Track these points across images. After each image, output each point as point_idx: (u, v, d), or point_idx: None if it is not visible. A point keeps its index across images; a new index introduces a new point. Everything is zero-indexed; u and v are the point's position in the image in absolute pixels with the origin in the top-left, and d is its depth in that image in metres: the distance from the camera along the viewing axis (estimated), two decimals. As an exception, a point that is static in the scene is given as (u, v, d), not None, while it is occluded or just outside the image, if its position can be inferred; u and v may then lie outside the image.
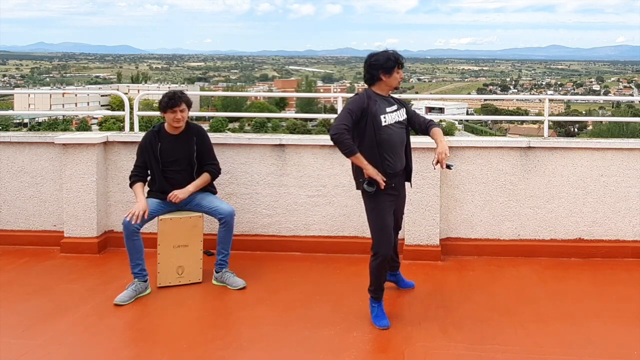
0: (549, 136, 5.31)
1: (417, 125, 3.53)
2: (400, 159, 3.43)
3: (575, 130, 61.97)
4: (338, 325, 3.36)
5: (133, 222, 3.71)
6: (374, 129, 3.28)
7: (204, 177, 4.07)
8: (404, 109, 3.50)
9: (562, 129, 60.26)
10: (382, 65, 3.36)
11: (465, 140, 4.79)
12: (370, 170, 3.24)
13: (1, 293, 3.81)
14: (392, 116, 3.37)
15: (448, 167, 3.31)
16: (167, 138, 3.98)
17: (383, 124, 3.30)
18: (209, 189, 4.15)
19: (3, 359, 2.95)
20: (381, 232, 3.35)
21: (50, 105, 60.28)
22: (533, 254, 4.57)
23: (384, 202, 3.34)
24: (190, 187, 3.96)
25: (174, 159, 3.97)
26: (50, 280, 4.06)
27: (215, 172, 4.12)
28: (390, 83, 3.41)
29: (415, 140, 4.52)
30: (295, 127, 51.93)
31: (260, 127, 52.68)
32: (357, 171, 3.36)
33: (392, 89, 3.47)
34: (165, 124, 4.01)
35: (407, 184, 3.63)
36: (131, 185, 3.94)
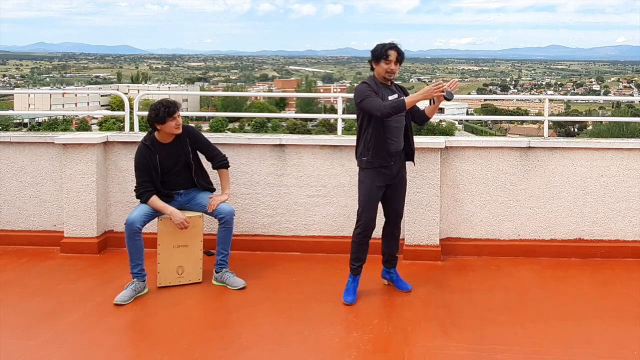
0: (549, 136, 5.31)
1: (417, 115, 3.79)
2: (400, 141, 3.68)
3: (575, 130, 61.96)
4: (338, 325, 3.36)
5: (184, 229, 3.88)
6: None
7: (225, 175, 4.14)
8: (404, 97, 3.61)
9: (562, 129, 60.25)
10: (373, 54, 3.64)
11: (465, 140, 4.79)
12: (426, 94, 3.48)
13: (1, 293, 3.81)
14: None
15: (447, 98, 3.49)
16: (162, 147, 3.95)
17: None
18: (209, 187, 4.16)
19: (3, 359, 2.95)
20: (365, 202, 3.64)
21: (50, 105, 60.27)
22: (533, 254, 4.57)
23: (375, 177, 3.62)
24: (227, 192, 4.10)
25: (172, 165, 3.97)
26: (50, 280, 4.06)
27: (227, 163, 4.16)
28: (378, 72, 3.64)
29: (416, 140, 4.52)
30: (295, 127, 51.92)
31: (260, 127, 52.65)
32: (362, 150, 3.61)
33: (382, 78, 3.64)
34: (157, 134, 3.95)
35: (405, 175, 3.83)
36: (146, 201, 3.88)
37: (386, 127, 3.58)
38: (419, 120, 3.81)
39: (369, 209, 3.64)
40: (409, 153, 3.80)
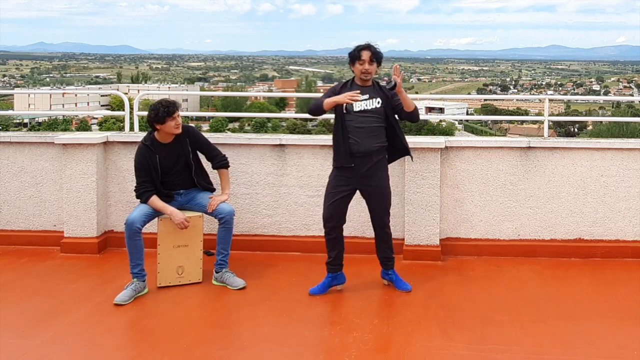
0: (549, 136, 5.31)
1: (402, 113, 3.75)
2: (367, 143, 3.64)
3: (575, 130, 61.96)
4: (338, 325, 3.36)
5: (184, 229, 3.88)
6: (341, 114, 3.65)
7: (225, 175, 4.14)
8: (378, 98, 3.66)
9: (562, 129, 60.25)
10: (349, 56, 3.73)
11: (465, 140, 4.79)
12: (338, 99, 3.56)
13: (1, 293, 3.81)
14: (359, 105, 3.62)
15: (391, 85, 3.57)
16: (162, 147, 3.94)
17: (345, 111, 3.62)
18: (209, 187, 4.16)
19: (3, 359, 2.96)
20: (325, 199, 3.76)
21: (50, 105, 60.29)
22: (533, 254, 4.57)
23: (336, 177, 3.72)
24: (227, 192, 4.10)
25: (172, 165, 3.97)
26: (50, 280, 4.06)
27: (227, 163, 4.16)
28: (356, 73, 3.71)
29: (416, 140, 4.54)
30: (295, 127, 51.88)
31: (260, 127, 52.64)
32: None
33: (359, 80, 3.70)
34: (157, 134, 3.95)
35: (382, 184, 3.77)
36: (146, 201, 3.88)
37: (346, 128, 3.64)
38: (405, 116, 3.75)
39: (327, 207, 3.73)
40: (396, 152, 3.81)
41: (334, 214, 3.72)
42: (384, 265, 3.91)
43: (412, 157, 3.98)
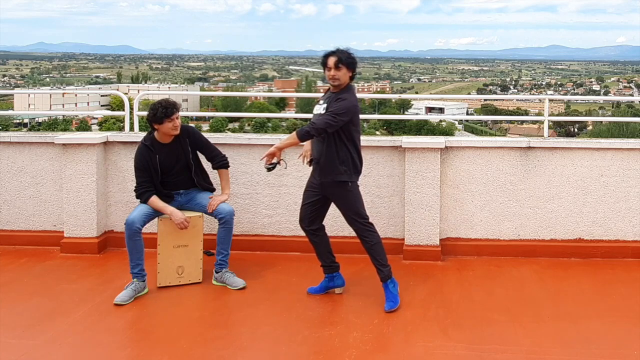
0: (549, 136, 5.31)
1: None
2: (315, 152, 3.65)
3: (575, 130, 62.01)
4: (338, 325, 3.36)
5: (184, 229, 3.88)
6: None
7: (225, 175, 4.15)
8: (326, 106, 3.57)
9: (562, 129, 60.29)
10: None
11: (465, 140, 4.79)
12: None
13: (1, 293, 3.81)
14: (316, 109, 3.63)
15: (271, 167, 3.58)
16: (162, 148, 3.95)
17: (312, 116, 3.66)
18: (209, 188, 4.16)
19: (3, 359, 2.96)
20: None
21: (50, 105, 60.21)
22: (533, 254, 4.57)
23: (308, 182, 3.80)
24: (227, 192, 4.11)
25: (172, 166, 3.97)
26: (50, 280, 4.06)
27: (227, 163, 4.16)
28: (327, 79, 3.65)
29: (415, 140, 4.54)
30: (295, 127, 51.78)
31: (260, 127, 52.67)
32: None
33: (331, 86, 3.62)
34: (157, 134, 3.95)
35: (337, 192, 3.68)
36: (145, 201, 3.88)
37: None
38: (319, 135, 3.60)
39: (301, 204, 3.82)
40: (320, 167, 3.63)
41: (302, 215, 3.82)
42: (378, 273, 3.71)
43: (320, 179, 3.67)
